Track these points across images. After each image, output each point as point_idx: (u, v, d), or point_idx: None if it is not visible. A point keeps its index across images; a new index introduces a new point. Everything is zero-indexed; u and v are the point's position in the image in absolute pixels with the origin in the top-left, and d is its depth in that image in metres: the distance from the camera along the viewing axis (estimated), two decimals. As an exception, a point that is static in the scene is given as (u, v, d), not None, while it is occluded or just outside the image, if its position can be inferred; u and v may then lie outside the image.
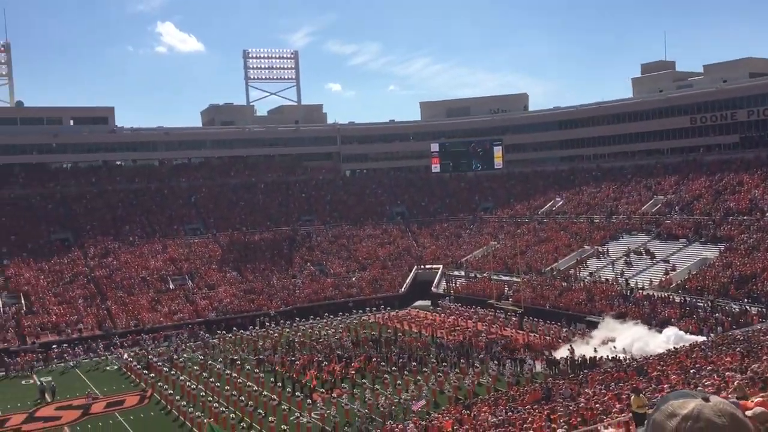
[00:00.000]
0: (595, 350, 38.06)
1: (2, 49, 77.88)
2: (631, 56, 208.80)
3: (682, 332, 37.98)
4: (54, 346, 47.37)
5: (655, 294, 45.65)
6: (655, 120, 71.76)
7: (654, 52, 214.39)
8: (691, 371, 22.52)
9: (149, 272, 60.10)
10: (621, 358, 35.39)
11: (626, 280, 49.55)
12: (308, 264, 65.67)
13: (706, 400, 1.86)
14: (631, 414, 17.49)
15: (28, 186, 70.67)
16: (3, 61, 77.98)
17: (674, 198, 61.34)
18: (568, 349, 38.47)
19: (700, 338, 35.71)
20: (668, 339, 36.87)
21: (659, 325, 40.77)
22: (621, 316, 43.40)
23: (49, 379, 40.96)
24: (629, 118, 74.23)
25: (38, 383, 38.19)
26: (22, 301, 53.34)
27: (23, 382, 41.76)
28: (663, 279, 48.08)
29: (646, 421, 1.96)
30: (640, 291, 46.78)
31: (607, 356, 36.43)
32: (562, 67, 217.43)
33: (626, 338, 39.06)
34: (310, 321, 54.45)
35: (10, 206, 67.16)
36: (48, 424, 32.86)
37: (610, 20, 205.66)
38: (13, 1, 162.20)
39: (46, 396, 36.12)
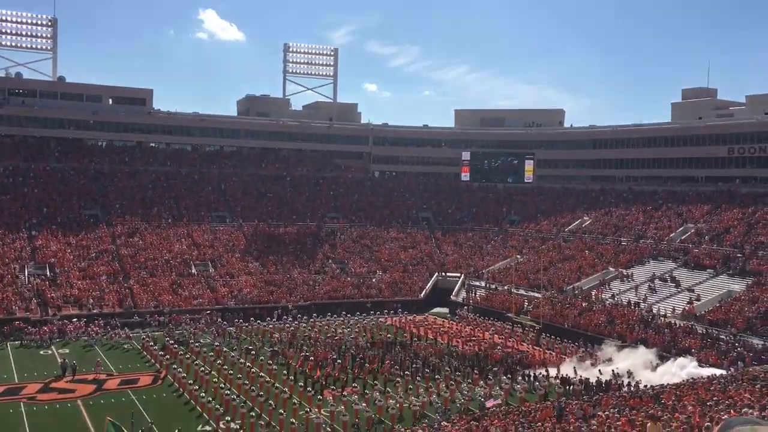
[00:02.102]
0: (600, 372, 37.53)
1: (49, 23, 79.30)
2: (672, 81, 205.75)
3: (694, 364, 37.39)
4: (74, 319, 48.03)
5: (677, 322, 44.98)
6: (692, 147, 70.83)
7: (696, 79, 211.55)
8: (708, 403, 22.13)
9: (173, 255, 60.72)
10: (624, 381, 35.09)
11: (649, 305, 48.88)
12: (330, 261, 65.85)
13: None
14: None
15: (62, 160, 71.94)
16: (49, 35, 79.40)
17: (705, 227, 60.43)
18: (574, 368, 38.33)
19: (719, 371, 35.12)
20: (681, 368, 36.41)
21: (678, 354, 40.18)
22: (643, 342, 42.82)
23: (67, 351, 41.59)
24: (666, 142, 73.35)
25: (59, 359, 38.64)
26: (47, 273, 54.22)
27: (41, 353, 42.42)
28: (686, 308, 47.36)
29: None
30: (662, 318, 46.13)
31: (614, 380, 36.00)
32: (601, 86, 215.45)
33: (625, 362, 38.78)
34: (327, 318, 54.58)
35: (44, 179, 68.37)
36: (62, 396, 33.33)
37: (655, 43, 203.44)
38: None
39: (66, 373, 36.56)
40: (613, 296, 52.49)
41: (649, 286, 52.99)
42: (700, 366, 37.31)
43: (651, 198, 70.83)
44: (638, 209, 69.17)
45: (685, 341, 41.92)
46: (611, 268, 57.96)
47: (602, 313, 49.27)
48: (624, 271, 56.67)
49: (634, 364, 38.36)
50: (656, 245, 59.87)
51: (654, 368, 38.32)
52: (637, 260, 58.38)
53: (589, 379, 36.23)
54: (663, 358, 39.70)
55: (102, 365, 38.37)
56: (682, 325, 44.43)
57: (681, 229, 61.98)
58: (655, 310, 47.77)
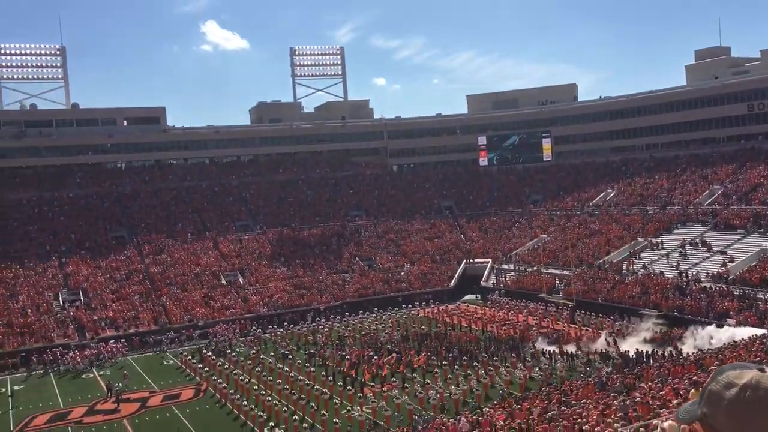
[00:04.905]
0: (637, 349, 36.78)
1: (58, 52, 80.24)
2: (684, 43, 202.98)
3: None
4: (112, 341, 48.66)
5: (712, 286, 44.38)
6: (710, 107, 69.74)
7: (708, 39, 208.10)
8: (753, 365, 21.79)
9: (202, 268, 61.24)
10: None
11: (682, 272, 48.29)
12: (357, 259, 65.97)
13: (762, 371, 1.89)
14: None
15: (84, 185, 72.82)
16: (58, 64, 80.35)
17: (731, 187, 59.53)
18: (606, 340, 38.00)
19: (760, 331, 34.57)
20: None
21: (716, 319, 39.66)
22: (678, 310, 42.34)
23: (109, 373, 42.14)
24: (683, 106, 72.29)
25: (106, 382, 39.02)
26: (81, 298, 55.00)
27: (83, 377, 43.03)
28: (720, 271, 46.71)
29: (701, 393, 1.95)
30: (697, 283, 45.55)
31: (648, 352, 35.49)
32: (611, 56, 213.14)
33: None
34: (360, 316, 54.72)
35: (69, 205, 69.29)
36: (107, 417, 33.78)
37: (663, 5, 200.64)
38: (67, 7, 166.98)
39: (111, 394, 36.92)
40: (644, 266, 51.94)
41: (681, 252, 52.35)
42: None
43: (674, 163, 69.90)
44: (662, 176, 68.31)
45: (722, 304, 41.37)
46: (640, 239, 57.35)
47: (635, 284, 48.80)
48: (653, 240, 56.06)
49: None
50: (684, 210, 59.10)
51: None
52: (666, 228, 57.70)
53: (628, 351, 35.91)
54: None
55: (129, 377, 39.30)
56: (717, 288, 43.84)
57: (707, 191, 61.12)
58: (688, 276, 47.18)
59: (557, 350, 38.37)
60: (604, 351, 37.19)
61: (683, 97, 72.90)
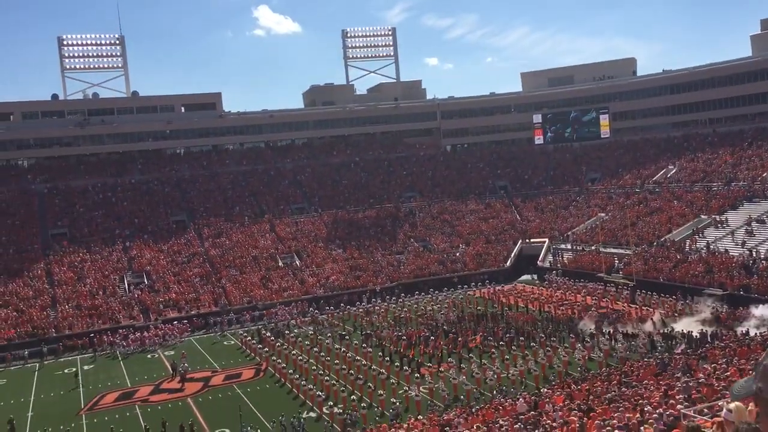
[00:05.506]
0: (702, 329, 35.84)
1: (117, 42, 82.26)
2: (749, 12, 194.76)
3: None
4: (175, 321, 50.12)
5: (781, 264, 42.80)
6: (777, 79, 66.89)
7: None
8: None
9: (259, 251, 62.31)
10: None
11: (750, 250, 46.71)
12: (412, 240, 66.03)
13: None
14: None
15: (146, 171, 74.82)
16: (118, 54, 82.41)
17: (801, 162, 57.12)
18: (653, 321, 37.25)
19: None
20: None
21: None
22: (745, 289, 41.03)
23: (173, 353, 43.41)
24: (749, 78, 69.52)
25: (171, 362, 40.20)
26: (145, 280, 56.72)
27: (148, 356, 44.47)
28: (789, 248, 45.00)
29: (755, 368, 1.89)
30: (764, 261, 44.01)
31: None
32: (671, 28, 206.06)
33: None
34: (416, 296, 54.86)
35: (131, 191, 71.33)
36: (172, 396, 34.88)
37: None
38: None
39: (176, 373, 38.06)
40: (708, 245, 50.45)
41: (746, 229, 50.62)
42: None
43: (738, 138, 67.42)
44: (726, 151, 66.02)
45: (792, 283, 39.90)
46: (703, 216, 55.67)
47: (698, 262, 47.46)
48: (717, 217, 54.34)
49: None
50: (749, 186, 57.04)
51: None
52: (731, 204, 55.84)
53: (692, 332, 35.03)
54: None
55: (186, 356, 40.28)
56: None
57: (775, 166, 58.81)
58: (755, 254, 45.64)
59: (617, 330, 37.74)
60: (667, 332, 36.38)
61: (748, 69, 70.08)
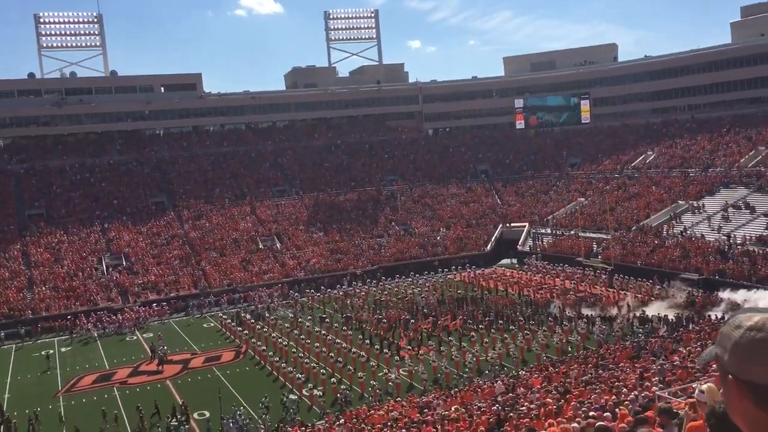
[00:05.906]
0: (677, 313, 36.39)
1: (95, 20, 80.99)
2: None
3: None
4: (154, 304, 49.85)
5: (756, 250, 43.46)
6: (756, 66, 67.56)
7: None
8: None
9: (239, 233, 62.05)
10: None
11: (725, 235, 47.35)
12: (393, 223, 66.10)
13: None
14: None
15: (125, 152, 74.00)
16: (96, 32, 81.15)
17: (777, 149, 57.84)
18: (627, 305, 37.83)
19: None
20: None
21: (759, 282, 38.91)
22: (720, 274, 41.64)
23: (151, 335, 43.22)
24: (728, 65, 70.13)
25: (149, 344, 40.02)
26: (123, 262, 56.28)
27: (126, 339, 44.24)
28: (765, 234, 45.67)
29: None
30: (739, 247, 44.66)
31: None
32: (653, 15, 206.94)
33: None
34: (396, 280, 55.02)
35: (110, 172, 70.55)
36: (151, 378, 34.78)
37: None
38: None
39: (154, 356, 37.87)
40: (684, 230, 51.06)
41: (723, 215, 51.29)
42: None
43: (717, 124, 68.10)
44: (704, 137, 66.68)
45: (766, 268, 40.55)
46: (681, 202, 56.30)
47: (675, 247, 48.05)
48: (694, 203, 54.98)
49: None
50: (726, 173, 57.73)
51: None
52: (708, 190, 56.51)
53: (667, 316, 35.56)
54: None
55: (163, 338, 40.30)
56: (761, 252, 42.93)
57: (752, 153, 59.53)
58: (731, 239, 46.28)
59: (594, 314, 38.19)
60: (642, 315, 36.88)
61: (728, 56, 70.69)
